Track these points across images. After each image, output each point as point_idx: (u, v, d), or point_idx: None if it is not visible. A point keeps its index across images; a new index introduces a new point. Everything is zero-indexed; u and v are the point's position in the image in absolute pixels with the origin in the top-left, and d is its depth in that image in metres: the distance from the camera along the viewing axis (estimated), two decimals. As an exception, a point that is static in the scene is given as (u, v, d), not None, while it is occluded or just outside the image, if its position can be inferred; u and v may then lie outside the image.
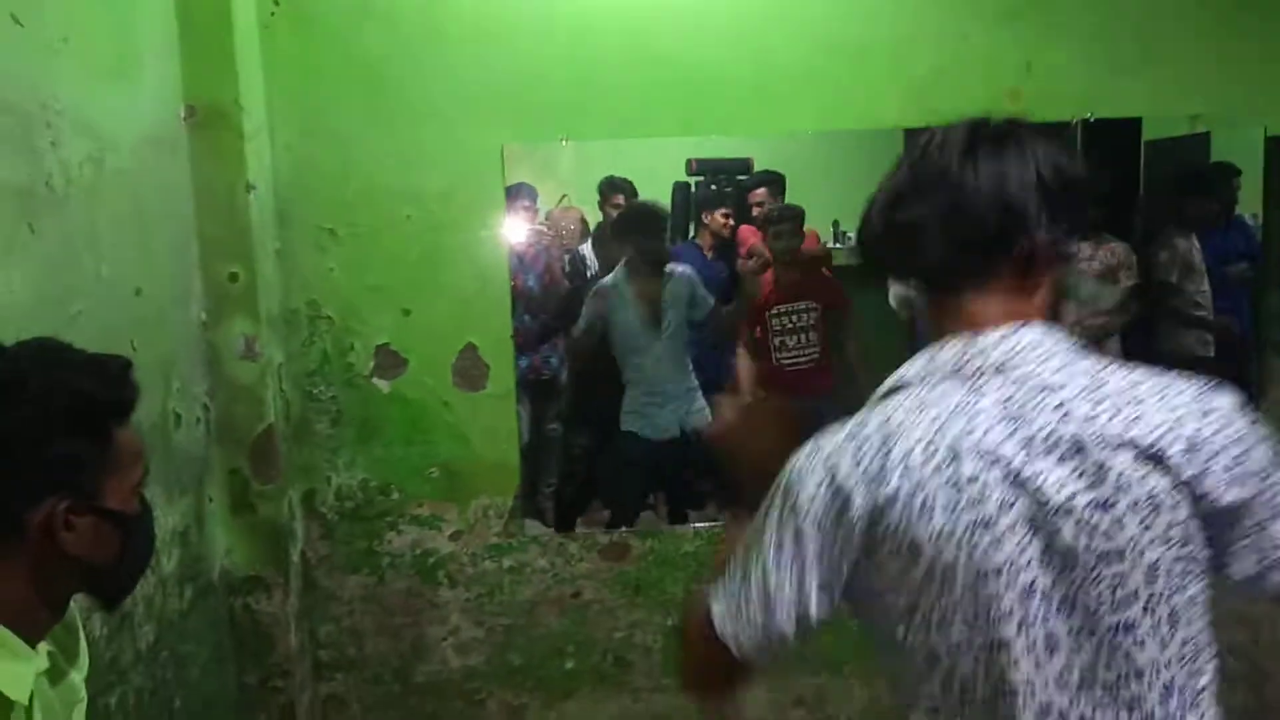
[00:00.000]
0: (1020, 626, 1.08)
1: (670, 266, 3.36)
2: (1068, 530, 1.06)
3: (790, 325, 3.37)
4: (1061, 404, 1.09)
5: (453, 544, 2.92)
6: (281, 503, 2.71)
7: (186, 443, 2.46)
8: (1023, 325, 1.13)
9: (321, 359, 2.81)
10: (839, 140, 3.08)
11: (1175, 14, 2.90)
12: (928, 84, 2.86)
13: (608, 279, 3.33)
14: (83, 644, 1.33)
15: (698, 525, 3.07)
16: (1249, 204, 3.37)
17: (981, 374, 1.12)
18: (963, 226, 1.13)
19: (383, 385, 2.84)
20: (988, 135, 1.16)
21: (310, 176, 2.75)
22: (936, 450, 1.09)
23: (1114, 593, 1.07)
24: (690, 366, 3.39)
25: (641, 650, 3.02)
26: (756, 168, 3.43)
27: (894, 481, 1.09)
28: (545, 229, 3.30)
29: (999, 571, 1.08)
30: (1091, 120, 2.94)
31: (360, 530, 2.89)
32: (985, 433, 1.09)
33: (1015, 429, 1.08)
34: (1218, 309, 3.41)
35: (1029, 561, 1.07)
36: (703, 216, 3.50)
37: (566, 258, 3.43)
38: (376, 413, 2.85)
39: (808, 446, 1.18)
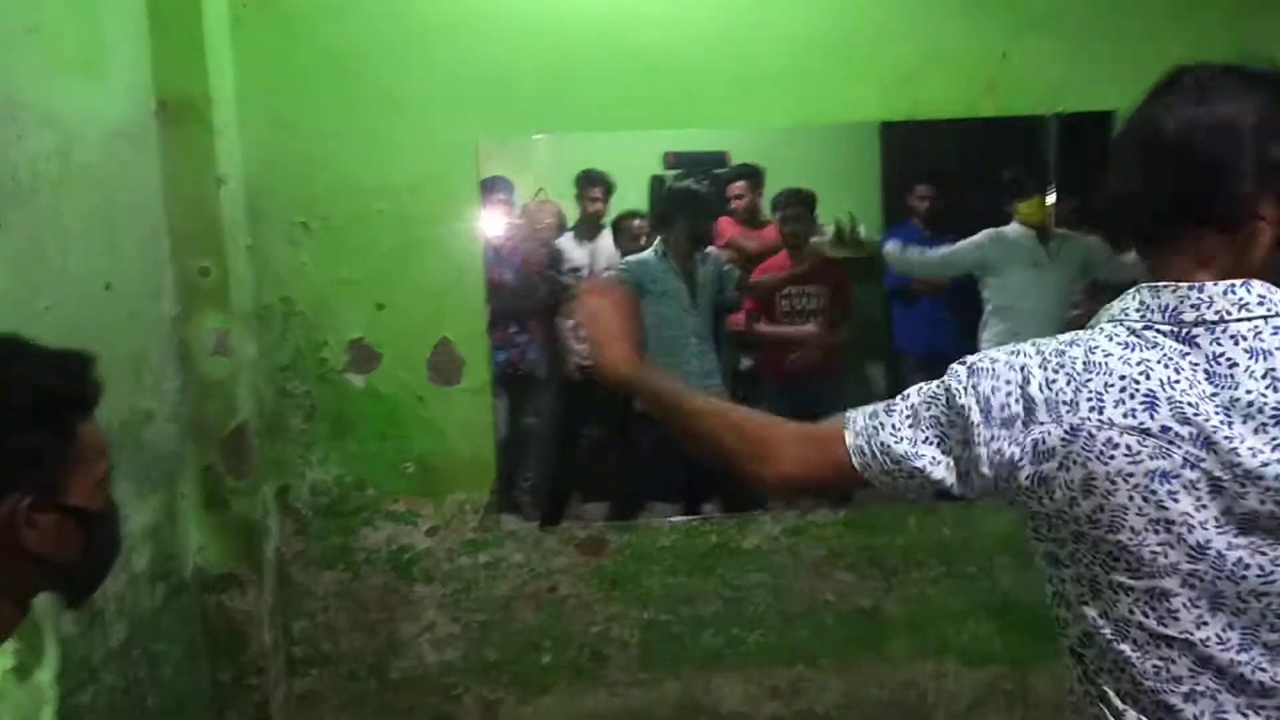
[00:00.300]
0: (1186, 581, 1.09)
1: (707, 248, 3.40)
2: (1253, 497, 1.06)
3: (799, 308, 3.40)
4: (1271, 371, 1.07)
5: (428, 539, 2.91)
6: (255, 499, 2.69)
7: (158, 439, 2.44)
8: (1244, 283, 1.11)
9: (294, 354, 2.80)
10: (816, 134, 3.08)
11: (1149, 5, 2.91)
12: (904, 77, 2.87)
13: (637, 257, 3.33)
14: (50, 643, 1.31)
15: (674, 519, 3.07)
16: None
17: (1198, 325, 1.10)
18: (1150, 184, 1.15)
19: (356, 380, 2.82)
20: (1190, 82, 1.16)
21: (282, 170, 2.72)
22: (1136, 393, 1.09)
23: None
24: (714, 349, 3.42)
25: (618, 644, 3.02)
26: (733, 161, 3.43)
27: (1084, 412, 1.10)
28: (524, 222, 3.29)
29: (1171, 524, 1.08)
30: (1066, 114, 2.95)
31: (335, 526, 2.87)
32: (1190, 387, 1.08)
33: (1219, 389, 1.07)
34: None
35: (1205, 521, 1.07)
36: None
37: (543, 251, 3.42)
38: (350, 408, 2.83)
39: (1006, 348, 1.19)
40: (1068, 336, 1.17)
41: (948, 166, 3.40)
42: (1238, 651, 1.10)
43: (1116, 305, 1.18)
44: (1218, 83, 1.14)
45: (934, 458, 1.20)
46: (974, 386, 1.17)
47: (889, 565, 3.07)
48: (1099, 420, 1.09)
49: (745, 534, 3.03)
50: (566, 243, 3.40)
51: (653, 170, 3.44)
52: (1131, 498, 1.09)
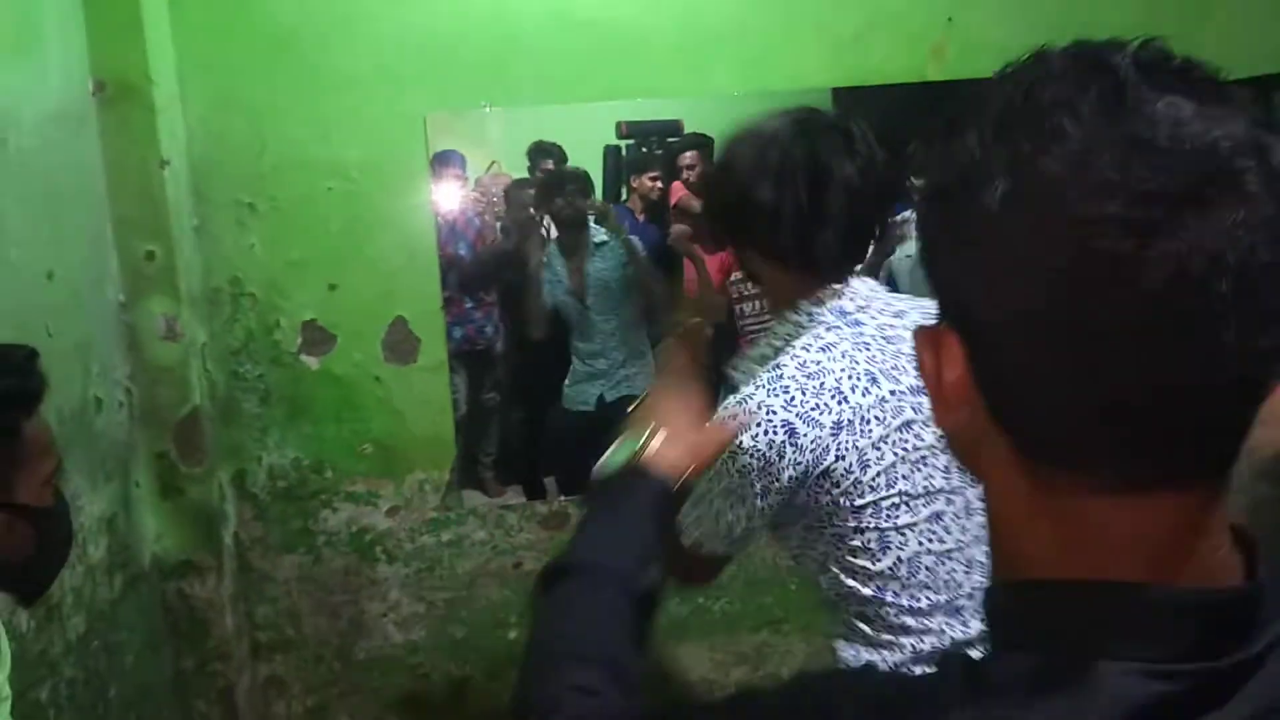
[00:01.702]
0: (949, 497, 1.36)
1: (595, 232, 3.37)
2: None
3: (750, 291, 3.38)
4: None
5: (389, 520, 2.89)
6: (211, 485, 2.66)
7: (109, 428, 2.40)
8: (854, 278, 1.42)
9: (246, 337, 2.76)
10: (767, 101, 3.03)
11: (1094, -32, 2.92)
12: (853, 43, 2.86)
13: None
14: (4, 641, 1.29)
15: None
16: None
17: (857, 312, 1.38)
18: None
19: (311, 362, 2.79)
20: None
21: (226, 150, 2.67)
22: (858, 377, 1.32)
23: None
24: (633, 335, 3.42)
25: (584, 617, 3.03)
26: (686, 129, 3.43)
27: (835, 410, 1.30)
28: (477, 196, 3.26)
29: (925, 459, 1.34)
30: (1014, 76, 2.96)
31: (294, 510, 2.85)
32: (882, 355, 1.34)
33: (897, 349, 1.35)
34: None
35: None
36: (631, 180, 3.49)
37: (498, 225, 3.41)
38: (306, 390, 2.80)
39: (750, 423, 1.34)
40: (762, 376, 1.36)
41: (898, 132, 3.41)
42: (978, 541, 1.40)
43: (779, 329, 1.42)
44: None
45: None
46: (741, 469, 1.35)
47: (850, 530, 3.10)
48: (849, 409, 1.31)
49: (707, 503, 3.04)
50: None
51: (606, 140, 3.43)
52: (897, 454, 1.33)
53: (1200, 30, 3.00)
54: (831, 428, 1.29)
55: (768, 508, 1.34)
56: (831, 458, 1.30)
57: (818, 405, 1.30)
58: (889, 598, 1.36)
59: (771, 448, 1.30)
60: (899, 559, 1.34)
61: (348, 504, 2.87)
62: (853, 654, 1.44)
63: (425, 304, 2.83)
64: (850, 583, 1.38)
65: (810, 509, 1.35)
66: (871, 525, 1.33)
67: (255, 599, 2.87)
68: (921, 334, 0.60)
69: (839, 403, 1.30)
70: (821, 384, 1.30)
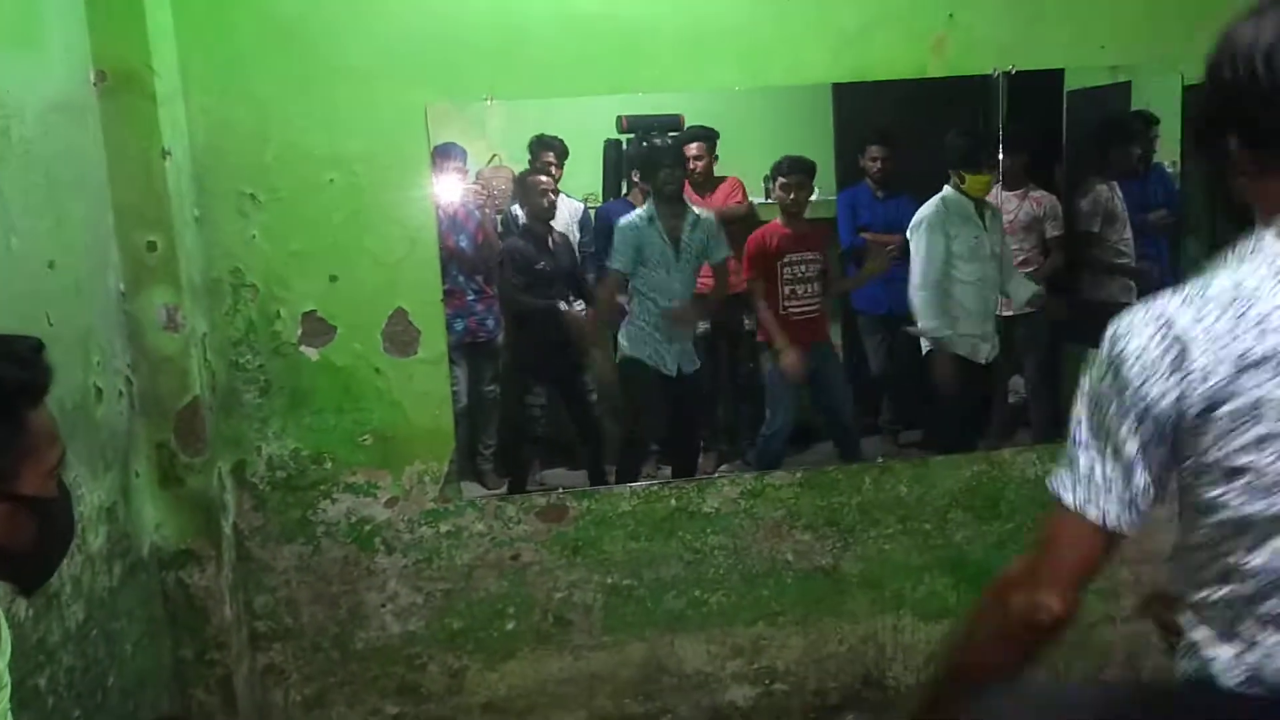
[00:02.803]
0: None
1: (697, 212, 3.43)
2: None
3: (799, 275, 3.43)
4: None
5: (388, 510, 2.90)
6: (210, 475, 2.67)
7: (110, 417, 2.41)
8: None
9: (247, 328, 2.76)
10: (767, 96, 3.08)
11: (1095, -35, 2.92)
12: (854, 38, 2.86)
13: (629, 219, 3.37)
14: (4, 629, 1.30)
15: (634, 484, 3.08)
16: (1167, 152, 3.44)
17: None
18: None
19: (311, 353, 2.79)
20: None
21: (228, 140, 2.68)
22: (1177, 337, 1.11)
23: None
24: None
25: (581, 609, 3.04)
26: (687, 124, 3.42)
27: (1248, 341, 1.09)
28: (478, 189, 3.26)
29: None
30: (1014, 72, 2.97)
31: (293, 500, 2.86)
32: None
33: None
34: (1139, 256, 3.48)
35: None
36: (632, 175, 3.49)
37: (499, 218, 3.40)
38: (306, 381, 2.81)
39: (1128, 313, 1.18)
40: (1187, 286, 1.16)
41: (898, 127, 3.41)
42: None
43: (1242, 246, 1.17)
44: None
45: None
46: (1116, 372, 1.17)
47: (846, 524, 3.11)
48: (1266, 347, 1.09)
49: (704, 497, 3.05)
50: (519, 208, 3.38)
51: (607, 134, 3.43)
52: None
53: (1200, 30, 3.00)
54: (1235, 360, 1.10)
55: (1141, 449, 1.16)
56: (1224, 396, 1.10)
57: (1232, 331, 1.10)
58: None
59: (1150, 358, 1.13)
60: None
61: (347, 495, 2.88)
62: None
63: (426, 296, 2.83)
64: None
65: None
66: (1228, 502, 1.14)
67: (254, 588, 2.88)
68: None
69: (1258, 337, 1.09)
70: (1247, 310, 1.10)
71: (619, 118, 3.32)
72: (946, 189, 3.39)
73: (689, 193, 3.45)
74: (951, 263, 3.40)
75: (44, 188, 2.16)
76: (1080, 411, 1.23)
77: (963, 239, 3.40)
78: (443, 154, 2.95)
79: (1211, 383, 1.10)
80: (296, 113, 2.69)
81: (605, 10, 2.77)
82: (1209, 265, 1.19)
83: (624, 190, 3.58)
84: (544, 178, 3.33)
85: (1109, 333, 1.19)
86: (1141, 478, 1.18)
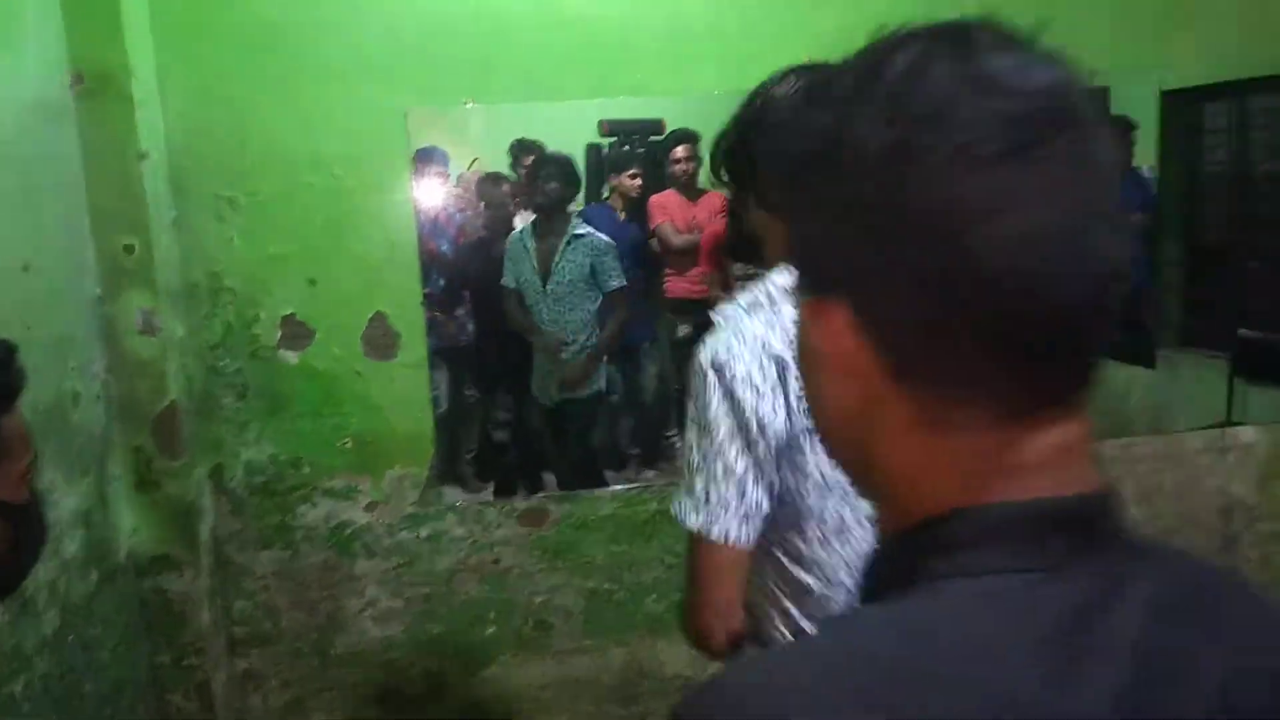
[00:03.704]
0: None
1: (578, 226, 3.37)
2: None
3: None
4: None
5: (368, 515, 2.89)
6: (188, 480, 2.65)
7: (86, 421, 2.39)
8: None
9: (225, 331, 2.75)
10: (748, 99, 3.09)
11: (1073, -29, 2.94)
12: (834, 42, 2.85)
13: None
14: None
15: (615, 488, 3.08)
16: (1144, 156, 3.46)
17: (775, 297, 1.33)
18: None
19: (290, 357, 2.78)
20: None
21: (206, 143, 2.66)
22: (777, 356, 1.28)
23: None
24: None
25: (562, 613, 3.03)
26: (668, 129, 3.43)
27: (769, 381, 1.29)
28: (460, 193, 3.26)
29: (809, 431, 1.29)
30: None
31: (272, 505, 2.84)
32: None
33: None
34: (1117, 260, 3.50)
35: None
36: (611, 178, 3.49)
37: (479, 222, 3.40)
38: (284, 385, 2.79)
39: (718, 337, 1.33)
40: (736, 319, 1.35)
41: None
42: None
43: (767, 282, 1.37)
44: None
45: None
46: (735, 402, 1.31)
47: (828, 527, 3.11)
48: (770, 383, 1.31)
49: (686, 501, 3.04)
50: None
51: (589, 138, 3.43)
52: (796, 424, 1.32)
53: (1177, 37, 3.03)
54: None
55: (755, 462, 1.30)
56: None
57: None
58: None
59: (757, 380, 1.29)
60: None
61: (326, 499, 2.86)
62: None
63: (406, 299, 2.82)
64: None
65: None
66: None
67: (232, 594, 2.86)
68: (806, 308, 0.62)
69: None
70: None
71: (600, 122, 3.32)
72: None
73: (675, 197, 3.46)
74: None
75: (19, 190, 2.14)
76: (691, 438, 1.33)
77: None
78: (424, 158, 2.94)
79: None
80: (275, 116, 2.68)
81: (586, 14, 2.76)
82: (764, 276, 1.37)
83: (605, 194, 3.58)
84: (506, 186, 3.35)
85: (708, 359, 1.31)
86: (753, 494, 1.30)
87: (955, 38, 0.56)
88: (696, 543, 1.35)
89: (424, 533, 2.93)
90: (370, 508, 2.89)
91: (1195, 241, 3.64)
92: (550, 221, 3.32)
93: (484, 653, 3.01)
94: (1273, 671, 0.57)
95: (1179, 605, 0.56)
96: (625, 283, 3.35)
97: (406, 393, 2.86)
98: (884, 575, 0.61)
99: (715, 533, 1.30)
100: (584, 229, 3.35)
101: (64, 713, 2.20)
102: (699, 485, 1.31)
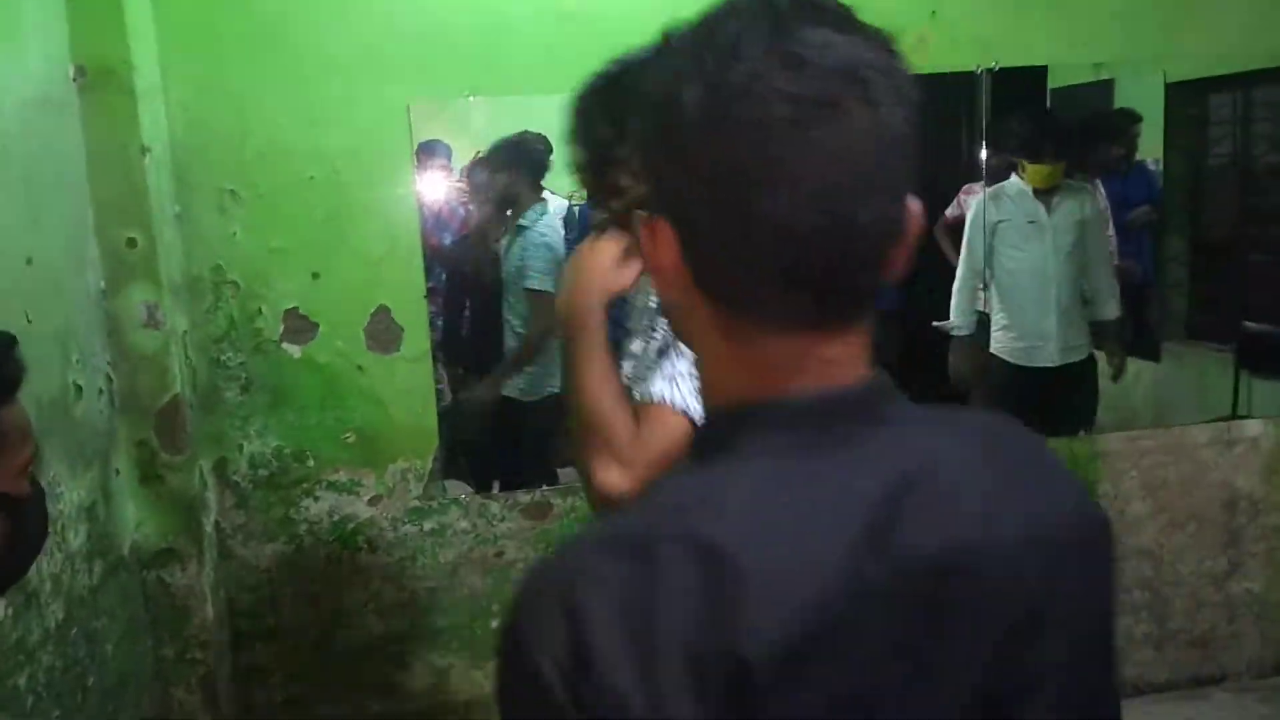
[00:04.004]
0: None
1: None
2: None
3: None
4: None
5: (371, 509, 2.89)
6: (191, 473, 2.65)
7: (89, 415, 2.39)
8: None
9: (228, 325, 2.75)
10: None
11: (1077, -38, 2.93)
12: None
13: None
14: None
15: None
16: (1150, 149, 3.45)
17: None
18: None
19: (293, 350, 2.78)
20: None
21: (208, 137, 2.66)
22: None
23: None
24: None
25: (565, 607, 3.03)
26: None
27: None
28: (463, 187, 3.25)
29: None
30: (997, 69, 2.97)
31: (275, 498, 2.84)
32: None
33: None
34: (1122, 253, 3.50)
35: None
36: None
37: (483, 214, 3.39)
38: (288, 379, 2.79)
39: None
40: None
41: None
42: None
43: None
44: None
45: None
46: None
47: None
48: None
49: (689, 494, 3.04)
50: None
51: (591, 131, 3.42)
52: None
53: (1183, 29, 3.02)
54: None
55: None
56: None
57: None
58: None
59: None
60: None
61: (329, 493, 2.86)
62: None
63: (409, 293, 2.82)
64: None
65: None
66: None
67: (236, 587, 2.86)
68: (642, 223, 0.73)
69: None
70: None
71: (603, 115, 3.30)
72: (1012, 176, 3.33)
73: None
74: (998, 252, 3.33)
75: (22, 184, 2.14)
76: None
77: (1011, 224, 3.32)
78: (427, 151, 2.94)
79: None
80: (277, 109, 2.68)
81: (589, 6, 2.76)
82: None
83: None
84: None
85: None
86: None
87: (774, 13, 0.65)
88: (669, 413, 1.36)
89: (427, 526, 2.93)
90: (373, 501, 2.89)
91: (1200, 234, 3.62)
92: (514, 213, 3.25)
93: (487, 646, 3.01)
94: (1029, 512, 0.70)
95: (946, 461, 0.70)
96: (546, 287, 3.16)
97: (409, 386, 2.86)
98: (702, 443, 0.75)
99: (694, 412, 1.34)
100: (530, 220, 3.30)
101: (67, 706, 2.20)
102: (666, 374, 1.38)
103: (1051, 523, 0.71)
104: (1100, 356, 3.41)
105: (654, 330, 1.43)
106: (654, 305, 1.41)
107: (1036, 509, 0.71)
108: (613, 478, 1.33)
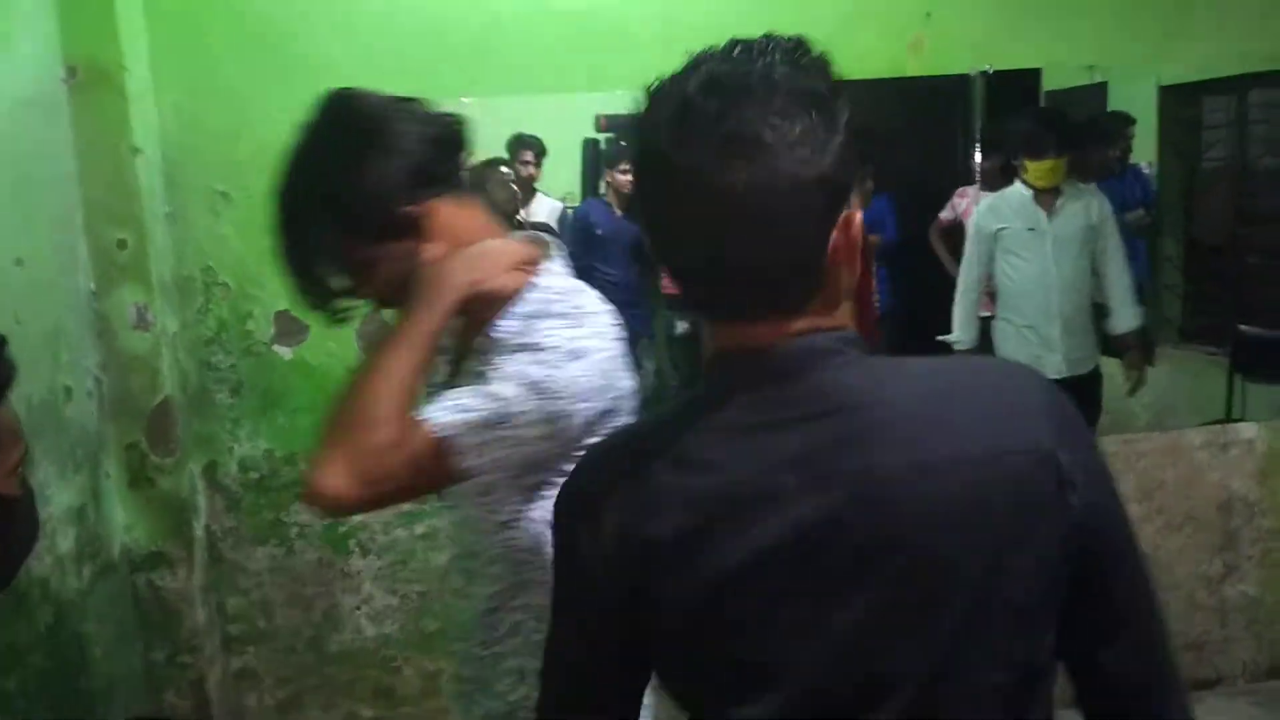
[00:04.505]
0: None
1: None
2: None
3: None
4: None
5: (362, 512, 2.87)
6: (182, 476, 2.64)
7: (79, 417, 2.38)
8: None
9: (219, 327, 2.73)
10: (746, 94, 3.07)
11: (1072, -35, 2.93)
12: (831, 37, 2.83)
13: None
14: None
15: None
16: (1144, 153, 3.45)
17: None
18: None
19: (284, 352, 2.76)
20: None
21: (200, 137, 2.64)
22: None
23: None
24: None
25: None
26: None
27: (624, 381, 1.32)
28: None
29: None
30: (991, 72, 2.97)
31: (266, 501, 2.83)
32: None
33: None
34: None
35: None
36: (606, 174, 3.48)
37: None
38: (279, 381, 2.78)
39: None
40: None
41: (875, 126, 3.40)
42: None
43: None
44: None
45: None
46: None
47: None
48: None
49: (683, 497, 3.03)
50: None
51: (586, 133, 3.41)
52: None
53: (1176, 32, 3.02)
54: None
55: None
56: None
57: None
58: None
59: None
60: None
61: (321, 496, 2.84)
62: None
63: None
64: None
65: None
66: None
67: (227, 591, 2.85)
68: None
69: None
70: None
71: (598, 117, 3.30)
72: (1015, 182, 3.27)
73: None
74: (999, 261, 3.28)
75: (12, 184, 2.13)
76: None
77: (1012, 232, 3.25)
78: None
79: None
80: (269, 110, 2.65)
81: (583, 7, 2.75)
82: None
83: (601, 190, 3.57)
84: (504, 169, 3.29)
85: (580, 347, 1.26)
86: None
87: (682, 96, 0.84)
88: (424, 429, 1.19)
89: (419, 529, 2.91)
90: (366, 504, 2.87)
91: (1194, 237, 3.63)
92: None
93: (480, 650, 2.99)
94: (952, 447, 0.81)
95: (874, 399, 0.84)
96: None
97: (402, 388, 2.84)
98: (702, 384, 0.91)
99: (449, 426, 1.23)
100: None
101: (57, 709, 2.18)
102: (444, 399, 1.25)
103: (969, 459, 0.81)
104: (1110, 369, 3.37)
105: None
106: (479, 370, 1.26)
107: (961, 445, 0.81)
108: (339, 484, 1.17)
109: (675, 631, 0.87)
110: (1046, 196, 3.24)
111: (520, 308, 1.27)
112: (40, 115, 2.29)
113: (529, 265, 1.30)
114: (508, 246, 1.31)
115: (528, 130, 3.33)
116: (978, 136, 3.18)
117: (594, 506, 0.88)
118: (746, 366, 0.86)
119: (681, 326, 3.54)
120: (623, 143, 3.41)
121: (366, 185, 1.27)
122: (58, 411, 2.27)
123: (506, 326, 1.26)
